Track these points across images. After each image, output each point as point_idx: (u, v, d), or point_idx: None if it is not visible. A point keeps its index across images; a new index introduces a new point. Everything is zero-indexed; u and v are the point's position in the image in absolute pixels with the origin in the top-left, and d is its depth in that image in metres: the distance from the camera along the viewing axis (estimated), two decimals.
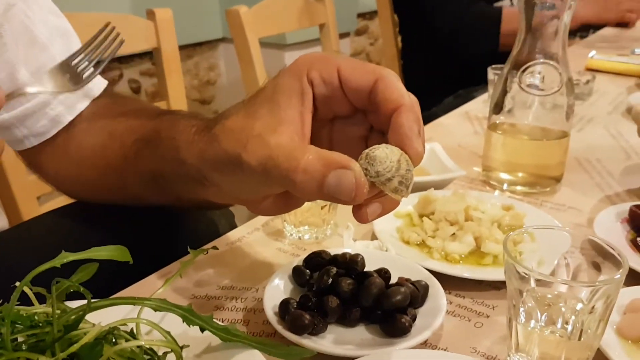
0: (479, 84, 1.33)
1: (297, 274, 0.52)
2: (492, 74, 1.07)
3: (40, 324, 0.37)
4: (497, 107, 0.76)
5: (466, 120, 1.06)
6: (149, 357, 0.35)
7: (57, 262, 0.35)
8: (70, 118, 0.59)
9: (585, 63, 1.40)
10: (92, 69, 0.51)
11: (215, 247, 0.48)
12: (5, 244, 0.61)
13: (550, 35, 0.71)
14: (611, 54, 1.43)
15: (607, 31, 1.91)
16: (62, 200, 1.14)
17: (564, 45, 0.72)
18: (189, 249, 0.45)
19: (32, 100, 0.57)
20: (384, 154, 0.37)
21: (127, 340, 0.34)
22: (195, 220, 0.68)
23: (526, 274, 0.41)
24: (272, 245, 0.63)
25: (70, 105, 0.59)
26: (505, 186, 0.76)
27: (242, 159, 0.39)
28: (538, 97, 0.74)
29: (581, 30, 1.95)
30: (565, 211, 0.70)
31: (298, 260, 0.54)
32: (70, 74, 0.50)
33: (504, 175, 0.77)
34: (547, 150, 0.76)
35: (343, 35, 2.49)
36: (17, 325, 0.37)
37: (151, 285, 0.55)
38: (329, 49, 1.79)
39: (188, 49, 2.26)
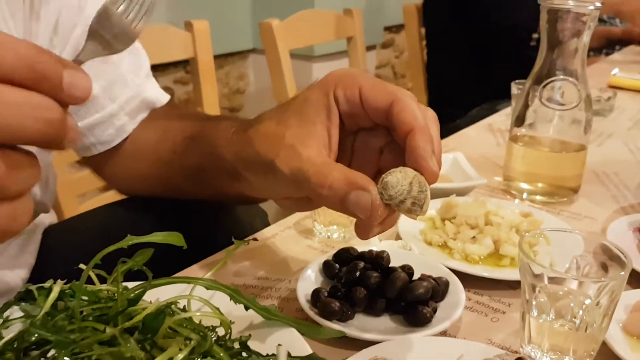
0: (502, 97, 1.37)
1: (327, 267, 0.57)
2: (515, 88, 1.11)
3: (104, 300, 0.43)
4: (519, 120, 0.80)
5: (489, 132, 1.10)
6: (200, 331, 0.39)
7: (123, 244, 0.40)
8: (134, 127, 0.66)
9: (607, 80, 1.43)
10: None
11: (255, 239, 0.53)
12: (59, 234, 0.67)
13: (570, 53, 0.75)
14: (634, 72, 1.46)
15: (632, 49, 1.93)
16: (100, 200, 1.21)
17: (583, 63, 0.75)
18: (233, 239, 0.50)
19: (100, 111, 0.63)
20: (396, 179, 0.41)
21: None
22: (232, 218, 0.74)
23: (540, 271, 0.45)
24: (303, 242, 0.68)
25: (134, 116, 0.65)
26: (524, 195, 0.80)
27: (275, 165, 0.44)
28: (558, 112, 0.77)
29: (607, 47, 1.98)
30: (580, 220, 0.74)
31: (328, 256, 0.58)
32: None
33: (524, 185, 0.80)
34: (566, 162, 0.79)
35: (370, 48, 2.55)
36: (83, 300, 0.42)
37: (194, 273, 0.60)
38: (356, 62, 1.84)
39: (220, 59, 2.33)
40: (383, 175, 0.42)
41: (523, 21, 1.65)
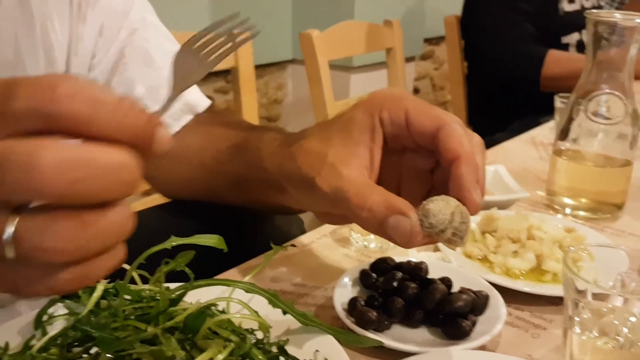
0: (544, 111, 1.34)
1: (364, 276, 0.56)
2: (559, 102, 1.09)
3: (146, 299, 0.43)
4: (563, 134, 0.79)
5: (532, 145, 1.08)
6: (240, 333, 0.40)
7: (167, 244, 0.41)
8: (177, 129, 0.67)
9: None
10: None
11: (293, 245, 0.53)
12: None
13: (617, 67, 0.73)
14: None
15: None
16: (143, 203, 1.23)
17: (630, 77, 0.74)
18: (272, 245, 0.50)
19: None
20: (438, 208, 0.40)
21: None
22: (269, 225, 0.74)
23: (584, 287, 0.44)
24: (339, 251, 0.68)
25: (177, 118, 0.67)
26: (567, 210, 0.78)
27: (316, 183, 0.44)
28: (603, 126, 0.76)
29: None
30: (624, 237, 0.72)
31: (365, 265, 0.58)
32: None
33: (567, 200, 0.79)
34: (610, 178, 0.77)
35: (409, 60, 2.54)
36: (126, 300, 0.43)
37: (232, 277, 0.60)
38: (395, 73, 1.84)
39: (260, 69, 2.36)
40: (424, 202, 0.41)
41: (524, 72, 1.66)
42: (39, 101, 0.25)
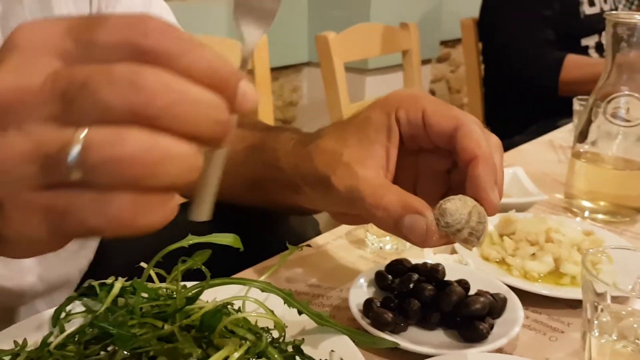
0: (562, 114, 1.33)
1: (379, 278, 0.56)
2: (577, 104, 1.08)
3: (162, 297, 0.43)
4: (582, 136, 0.78)
5: (550, 148, 1.07)
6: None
7: (184, 243, 0.41)
8: None
9: None
10: None
11: (308, 245, 0.53)
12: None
13: (636, 69, 0.73)
14: None
15: None
16: None
17: None
18: (287, 245, 0.50)
19: None
20: (455, 207, 0.40)
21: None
22: (284, 225, 0.74)
23: (603, 289, 0.43)
24: (354, 252, 0.67)
25: None
26: (586, 214, 0.77)
27: (331, 182, 0.44)
28: (622, 128, 0.75)
29: None
30: None
31: (380, 266, 0.58)
32: None
33: (586, 203, 0.78)
34: (630, 181, 0.76)
35: (425, 62, 2.53)
36: (143, 297, 0.43)
37: (248, 277, 0.60)
38: (410, 76, 1.83)
39: (275, 71, 2.37)
40: (441, 202, 0.41)
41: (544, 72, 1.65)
42: (131, 35, 0.25)
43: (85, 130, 0.24)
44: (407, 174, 0.48)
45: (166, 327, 0.37)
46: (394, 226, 0.41)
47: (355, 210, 0.45)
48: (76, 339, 0.41)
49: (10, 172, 0.25)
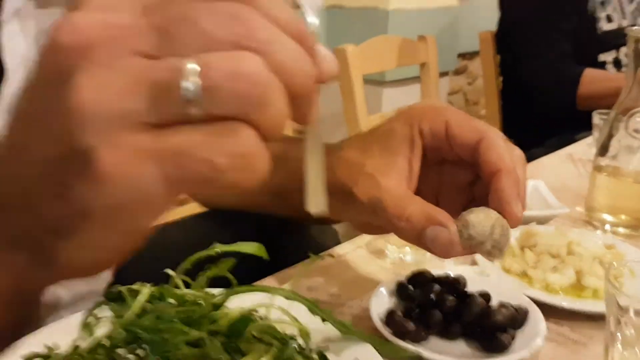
0: (580, 128, 1.33)
1: (401, 288, 0.56)
2: (597, 118, 1.08)
3: (188, 304, 0.44)
4: (603, 150, 0.78)
5: (570, 161, 1.07)
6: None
7: (211, 251, 0.42)
8: None
9: None
10: None
11: (331, 255, 0.54)
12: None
13: None
14: None
15: None
16: (179, 212, 1.25)
17: None
18: (309, 254, 0.51)
19: None
20: (478, 219, 0.40)
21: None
22: (304, 235, 0.75)
23: (626, 303, 0.43)
24: (375, 262, 0.68)
25: None
26: (607, 227, 0.77)
27: (354, 192, 0.45)
28: None
29: None
30: None
31: (401, 277, 0.58)
32: None
33: (607, 217, 0.77)
34: None
35: (442, 74, 2.53)
36: (169, 303, 0.44)
37: (269, 285, 0.61)
38: (428, 88, 1.84)
39: None
40: (464, 213, 0.41)
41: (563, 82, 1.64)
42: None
43: (192, 60, 0.22)
44: (430, 186, 0.49)
45: (195, 332, 0.38)
46: (417, 237, 0.42)
47: (377, 221, 0.45)
48: (104, 344, 0.41)
49: (112, 111, 0.22)
